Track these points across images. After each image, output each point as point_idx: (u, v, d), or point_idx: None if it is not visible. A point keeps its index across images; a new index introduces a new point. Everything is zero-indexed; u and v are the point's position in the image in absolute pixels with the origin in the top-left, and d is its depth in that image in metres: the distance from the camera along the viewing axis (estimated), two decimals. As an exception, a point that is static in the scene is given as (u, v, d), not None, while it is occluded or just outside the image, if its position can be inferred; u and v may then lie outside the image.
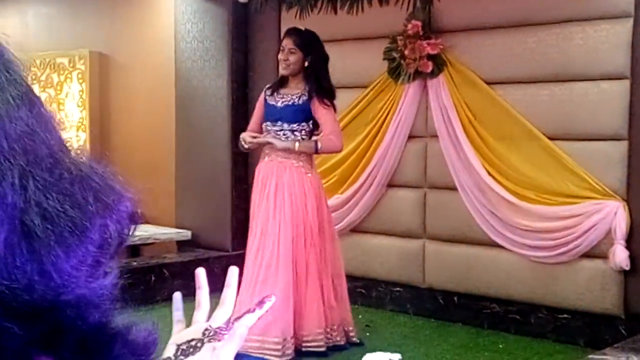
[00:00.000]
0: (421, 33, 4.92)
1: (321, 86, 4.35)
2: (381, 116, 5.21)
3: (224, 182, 5.80)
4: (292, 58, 4.34)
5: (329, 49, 5.44)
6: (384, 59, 5.14)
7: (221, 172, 6.00)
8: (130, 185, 0.60)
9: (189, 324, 0.86)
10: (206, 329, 0.81)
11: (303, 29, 4.54)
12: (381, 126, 5.21)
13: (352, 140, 5.28)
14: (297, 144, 4.32)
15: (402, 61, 5.01)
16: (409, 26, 4.96)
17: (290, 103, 4.35)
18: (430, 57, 4.90)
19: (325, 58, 4.43)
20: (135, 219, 0.60)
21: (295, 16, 5.60)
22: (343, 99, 5.38)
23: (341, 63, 5.40)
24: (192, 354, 0.79)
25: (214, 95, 6.04)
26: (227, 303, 0.87)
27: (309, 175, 4.36)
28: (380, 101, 5.22)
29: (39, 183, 0.52)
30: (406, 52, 4.95)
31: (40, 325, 0.52)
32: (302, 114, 4.33)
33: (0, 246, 0.50)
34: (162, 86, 6.52)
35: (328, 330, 4.36)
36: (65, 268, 0.52)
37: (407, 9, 5.08)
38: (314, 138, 4.42)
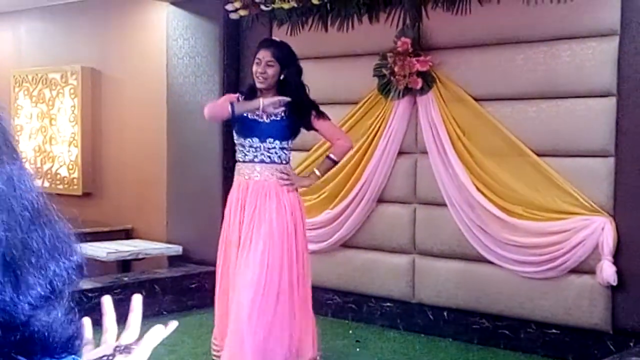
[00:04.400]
0: (411, 50, 4.98)
1: (307, 99, 4.14)
2: (371, 132, 5.25)
3: (216, 197, 5.80)
4: (270, 71, 4.01)
5: (320, 65, 5.49)
6: (374, 75, 5.19)
7: (212, 187, 6.02)
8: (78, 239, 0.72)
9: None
10: (117, 346, 0.89)
11: (278, 40, 4.31)
12: (371, 142, 5.25)
13: (342, 156, 5.32)
14: (316, 172, 4.24)
15: (392, 78, 5.06)
16: (399, 43, 5.02)
17: (278, 119, 4.06)
18: (419, 73, 4.95)
19: (300, 71, 4.14)
20: (82, 270, 0.72)
21: (287, 33, 5.66)
22: (333, 115, 5.40)
23: (332, 79, 5.45)
24: None
25: (205, 111, 6.06)
26: (133, 326, 0.94)
27: (292, 191, 4.10)
28: (371, 117, 5.26)
29: (17, 227, 0.65)
30: (396, 69, 5.00)
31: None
32: (289, 131, 4.10)
33: None
34: (154, 101, 6.55)
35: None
36: (22, 300, 0.65)
37: (397, 27, 5.14)
38: (329, 154, 4.27)
